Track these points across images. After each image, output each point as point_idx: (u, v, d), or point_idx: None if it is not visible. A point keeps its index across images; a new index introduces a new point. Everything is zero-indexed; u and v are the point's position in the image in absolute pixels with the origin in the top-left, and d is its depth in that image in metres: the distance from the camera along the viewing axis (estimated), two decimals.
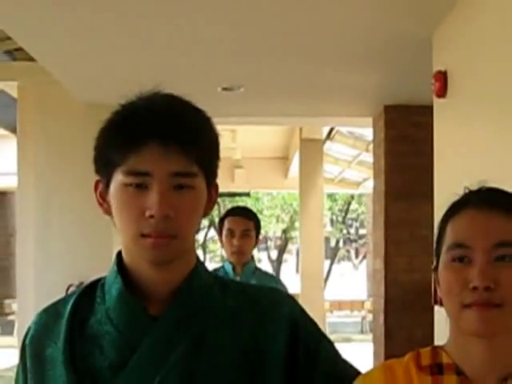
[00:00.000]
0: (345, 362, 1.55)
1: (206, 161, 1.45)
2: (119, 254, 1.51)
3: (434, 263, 1.46)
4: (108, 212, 1.48)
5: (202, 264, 1.55)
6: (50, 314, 1.52)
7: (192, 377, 1.40)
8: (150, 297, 1.46)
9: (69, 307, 1.49)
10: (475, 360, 1.40)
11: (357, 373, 1.51)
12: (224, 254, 4.69)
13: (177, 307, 1.45)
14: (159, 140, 1.38)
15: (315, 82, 6.02)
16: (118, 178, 1.41)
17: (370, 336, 9.17)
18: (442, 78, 4.19)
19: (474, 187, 1.47)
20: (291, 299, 1.59)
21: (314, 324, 1.56)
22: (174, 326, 1.43)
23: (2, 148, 15.66)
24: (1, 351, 14.31)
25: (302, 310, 1.57)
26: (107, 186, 1.45)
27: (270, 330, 1.47)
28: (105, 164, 1.44)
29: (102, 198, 1.49)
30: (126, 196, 1.41)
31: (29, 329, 1.53)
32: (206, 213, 1.50)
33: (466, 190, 1.48)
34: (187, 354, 1.41)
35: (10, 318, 16.75)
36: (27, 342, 1.51)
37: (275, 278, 4.92)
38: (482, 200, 1.42)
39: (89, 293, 1.51)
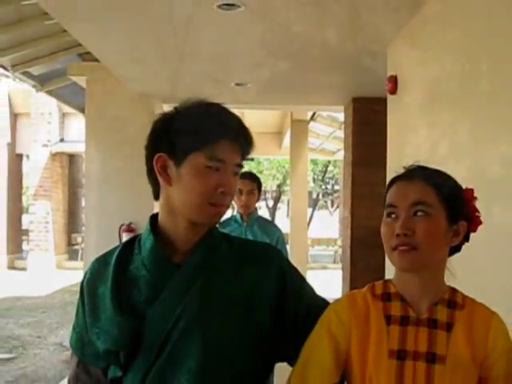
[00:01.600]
0: (319, 297, 1.58)
1: (246, 156, 1.49)
2: (151, 217, 1.50)
3: None
4: (167, 181, 1.44)
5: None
6: (100, 263, 1.52)
7: (203, 309, 1.41)
8: (175, 249, 1.46)
9: (114, 257, 1.49)
10: (412, 290, 1.43)
11: (328, 303, 1.55)
12: (234, 205, 4.68)
13: (195, 257, 1.45)
14: (233, 138, 1.41)
15: (303, 81, 5.96)
16: (199, 160, 1.39)
17: (340, 265, 9.22)
18: (394, 80, 4.23)
19: (409, 165, 1.51)
20: (281, 254, 1.58)
21: (298, 272, 1.57)
22: (192, 271, 1.44)
23: (73, 123, 15.79)
24: (69, 272, 14.58)
25: (289, 263, 1.58)
26: (178, 163, 1.41)
27: (264, 278, 1.48)
28: (181, 147, 1.40)
29: (163, 170, 1.44)
30: (206, 174, 1.40)
31: (85, 274, 1.54)
32: None
33: (403, 169, 1.51)
34: (201, 291, 1.41)
35: (75, 247, 16.89)
36: (85, 283, 1.51)
37: (272, 223, 4.85)
38: (408, 174, 1.47)
39: (129, 246, 1.51)
